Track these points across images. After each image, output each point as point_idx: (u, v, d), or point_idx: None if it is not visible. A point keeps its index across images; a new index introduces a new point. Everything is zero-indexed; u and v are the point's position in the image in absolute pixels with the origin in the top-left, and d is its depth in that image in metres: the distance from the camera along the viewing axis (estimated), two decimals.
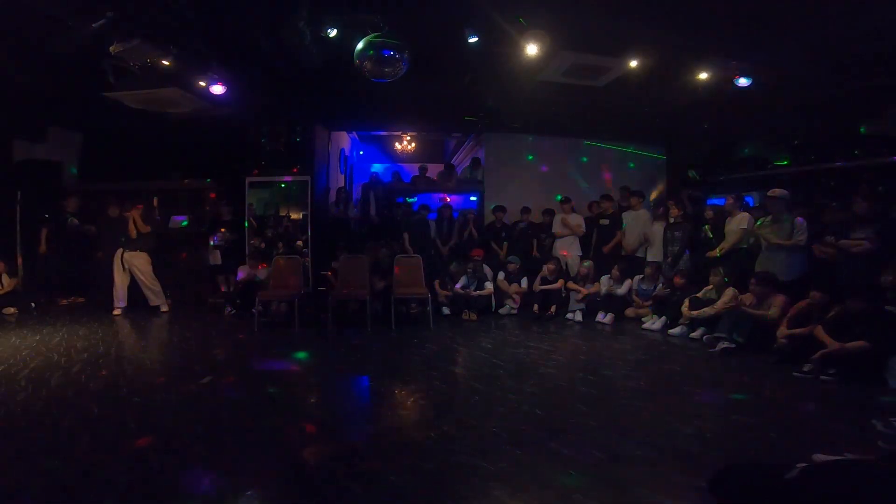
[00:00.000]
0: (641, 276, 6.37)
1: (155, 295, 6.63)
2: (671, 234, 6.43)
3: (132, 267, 6.51)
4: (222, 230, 7.17)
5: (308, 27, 4.67)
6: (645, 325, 5.81)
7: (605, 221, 7.24)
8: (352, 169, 10.78)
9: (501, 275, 6.76)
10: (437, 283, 6.36)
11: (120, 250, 6.48)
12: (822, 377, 3.83)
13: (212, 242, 7.16)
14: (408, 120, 8.84)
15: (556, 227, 7.23)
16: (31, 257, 6.96)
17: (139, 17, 4.33)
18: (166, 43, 4.77)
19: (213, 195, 7.85)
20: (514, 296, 6.64)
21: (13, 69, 5.33)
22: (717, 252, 5.66)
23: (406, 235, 7.27)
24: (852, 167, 6.06)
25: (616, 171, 8.73)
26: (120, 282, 6.47)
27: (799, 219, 5.03)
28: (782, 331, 4.35)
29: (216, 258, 7.16)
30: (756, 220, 5.46)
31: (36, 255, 6.89)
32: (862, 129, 6.11)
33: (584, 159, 8.72)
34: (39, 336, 5.15)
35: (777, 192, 5.14)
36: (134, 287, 6.58)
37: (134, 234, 6.46)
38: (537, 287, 6.55)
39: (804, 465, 2.00)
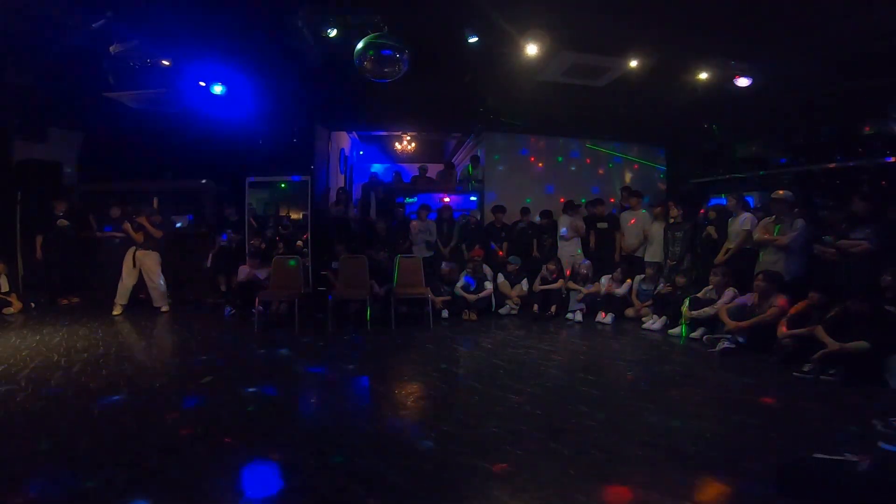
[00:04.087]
0: (642, 276, 6.37)
1: (160, 295, 6.65)
2: (672, 235, 6.42)
3: (143, 265, 6.54)
4: (229, 231, 7.18)
5: (308, 27, 4.67)
6: (645, 325, 5.80)
7: (603, 224, 7.24)
8: (352, 169, 10.78)
9: (501, 277, 6.76)
10: (429, 290, 6.13)
11: (133, 248, 6.52)
12: (823, 377, 3.84)
13: (220, 243, 7.16)
14: (408, 120, 8.84)
15: (568, 231, 7.20)
16: (30, 259, 6.96)
17: (139, 17, 4.33)
18: (166, 43, 4.77)
19: (217, 194, 7.86)
20: (516, 298, 6.63)
21: (13, 69, 5.34)
22: (722, 257, 5.65)
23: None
24: (852, 167, 6.06)
25: (616, 172, 8.74)
26: (128, 279, 6.48)
27: (800, 220, 5.03)
28: (782, 331, 4.35)
29: (209, 260, 7.19)
30: (759, 221, 5.45)
31: (34, 259, 6.89)
32: (870, 131, 6.09)
33: (559, 158, 8.71)
34: (39, 336, 5.15)
35: (781, 193, 5.14)
36: (136, 287, 6.58)
37: (141, 239, 6.48)
38: (537, 287, 6.55)
39: (873, 456, 2.00)
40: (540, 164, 8.63)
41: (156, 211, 6.91)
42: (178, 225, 7.73)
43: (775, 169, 7.09)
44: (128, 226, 6.55)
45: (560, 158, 8.65)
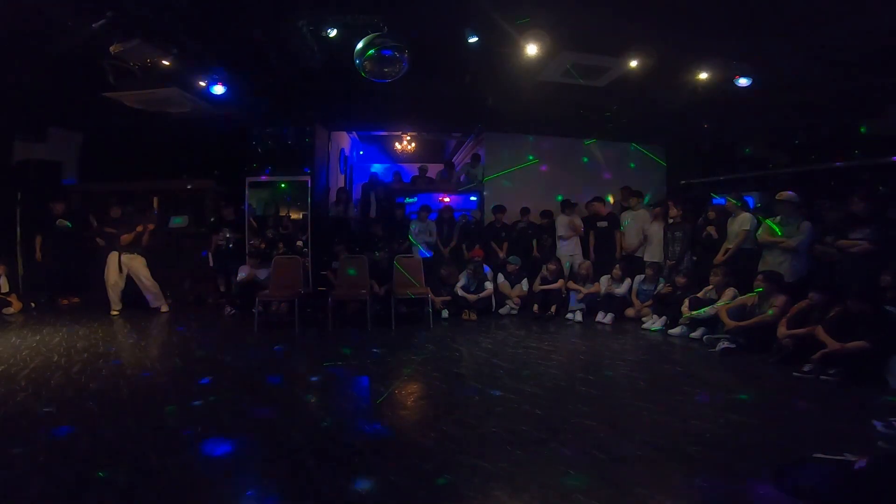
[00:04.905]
0: (642, 276, 6.37)
1: (155, 297, 6.61)
2: (671, 235, 6.42)
3: (130, 270, 6.47)
4: (226, 231, 7.17)
5: (308, 27, 4.67)
6: (645, 325, 5.81)
7: (603, 224, 7.24)
8: (352, 169, 10.78)
9: (501, 278, 6.76)
10: (429, 290, 6.14)
11: (116, 253, 6.43)
12: (822, 377, 3.84)
13: (218, 243, 7.15)
14: (408, 120, 8.84)
15: (562, 230, 7.22)
16: (30, 259, 6.96)
17: (139, 17, 4.33)
18: (166, 43, 4.77)
19: (215, 196, 7.85)
20: (516, 299, 6.63)
21: (13, 69, 5.34)
22: (721, 257, 5.65)
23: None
24: (852, 167, 6.06)
25: (616, 171, 8.73)
26: (114, 284, 6.40)
27: (807, 222, 5.03)
28: (782, 331, 4.35)
29: (210, 260, 7.19)
30: (759, 221, 5.45)
31: (34, 259, 6.89)
32: (862, 129, 6.10)
33: (585, 159, 8.71)
34: (39, 336, 5.15)
35: (786, 195, 5.12)
36: (131, 289, 6.54)
37: (127, 241, 6.41)
38: (537, 287, 6.55)
39: (870, 456, 2.00)
40: (540, 165, 8.62)
41: (154, 219, 6.87)
42: (176, 220, 7.71)
43: (775, 169, 7.08)
44: (141, 227, 6.51)
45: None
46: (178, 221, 7.70)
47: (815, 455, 2.32)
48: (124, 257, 6.44)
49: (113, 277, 6.41)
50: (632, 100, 6.54)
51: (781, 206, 5.13)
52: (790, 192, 5.15)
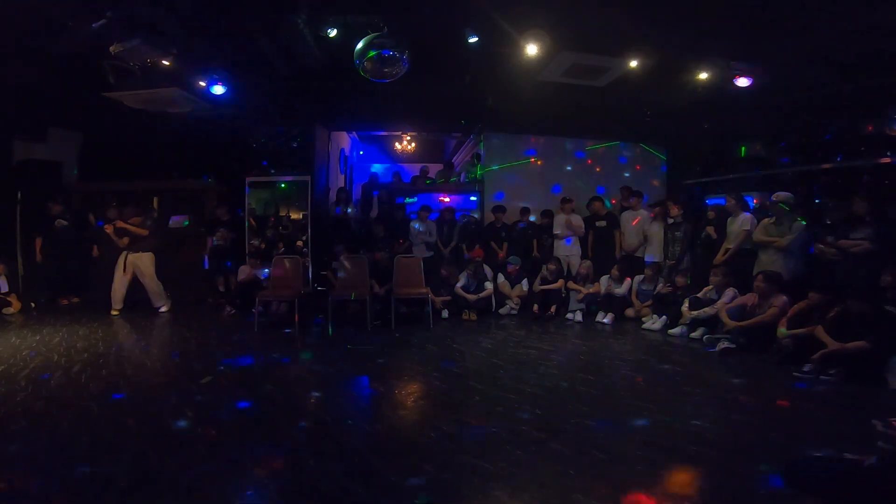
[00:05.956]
0: (642, 276, 6.36)
1: (157, 296, 6.58)
2: (671, 235, 6.42)
3: (136, 268, 6.44)
4: (221, 231, 7.16)
5: (308, 27, 4.67)
6: (645, 325, 5.80)
7: (602, 223, 7.24)
8: (352, 169, 10.78)
9: (501, 278, 6.76)
10: (429, 290, 6.13)
11: (124, 252, 6.42)
12: (823, 377, 3.84)
13: (211, 244, 7.14)
14: (408, 120, 8.84)
15: (559, 229, 7.22)
16: (30, 259, 6.96)
17: (139, 17, 4.33)
18: (166, 43, 4.77)
19: (217, 194, 7.84)
20: (516, 299, 6.63)
21: (14, 69, 5.34)
22: (721, 257, 5.65)
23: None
24: (852, 167, 6.06)
25: (616, 171, 8.73)
26: (119, 283, 6.39)
27: (798, 222, 5.04)
28: (782, 331, 4.35)
29: (206, 262, 7.18)
30: (759, 222, 5.45)
31: (34, 260, 6.88)
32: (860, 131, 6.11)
33: (577, 155, 8.70)
34: (39, 336, 5.15)
35: (781, 195, 5.15)
36: (132, 288, 6.52)
37: (126, 242, 6.36)
38: (537, 287, 6.55)
39: (880, 453, 2.00)
40: (540, 164, 8.62)
41: (135, 211, 6.56)
42: (184, 222, 7.69)
43: (775, 169, 7.09)
44: (109, 228, 6.42)
45: (559, 158, 8.62)
46: (186, 224, 7.69)
47: (814, 455, 2.32)
48: (131, 257, 6.42)
49: (117, 276, 6.40)
50: (632, 100, 6.55)
51: (777, 207, 5.14)
52: (786, 193, 5.17)
